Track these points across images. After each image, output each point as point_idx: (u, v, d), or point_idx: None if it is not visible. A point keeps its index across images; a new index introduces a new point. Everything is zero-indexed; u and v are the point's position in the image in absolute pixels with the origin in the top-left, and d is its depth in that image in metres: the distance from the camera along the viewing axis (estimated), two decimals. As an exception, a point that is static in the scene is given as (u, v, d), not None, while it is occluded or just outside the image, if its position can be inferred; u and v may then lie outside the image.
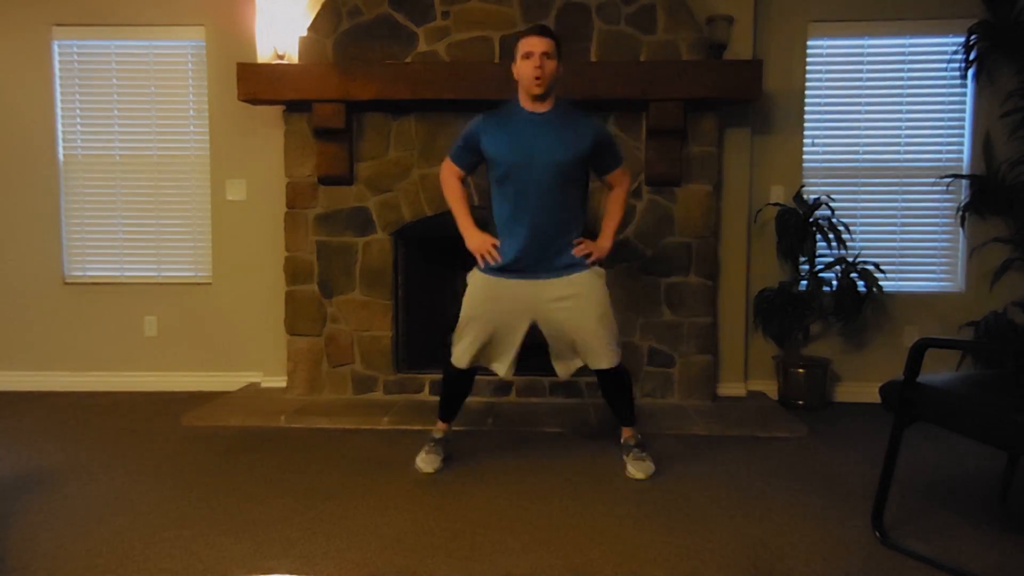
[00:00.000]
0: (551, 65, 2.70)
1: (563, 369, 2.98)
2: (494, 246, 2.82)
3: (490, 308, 2.83)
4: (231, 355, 4.35)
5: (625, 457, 2.95)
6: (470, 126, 2.84)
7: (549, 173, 2.73)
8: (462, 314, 2.88)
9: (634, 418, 3.03)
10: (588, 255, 2.84)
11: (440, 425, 3.08)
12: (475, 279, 2.88)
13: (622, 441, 3.02)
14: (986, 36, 3.90)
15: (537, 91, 2.71)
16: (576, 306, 2.80)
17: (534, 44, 2.67)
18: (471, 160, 2.90)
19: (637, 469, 2.88)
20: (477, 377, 3.91)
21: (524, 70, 2.71)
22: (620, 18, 3.77)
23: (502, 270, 2.82)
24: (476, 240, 2.86)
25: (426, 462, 2.95)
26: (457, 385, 3.00)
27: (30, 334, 4.38)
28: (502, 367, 2.93)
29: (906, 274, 4.15)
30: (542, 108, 2.78)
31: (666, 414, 3.65)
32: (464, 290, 2.90)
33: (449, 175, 2.95)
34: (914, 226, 4.13)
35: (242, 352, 4.33)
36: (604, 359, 2.84)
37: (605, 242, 2.91)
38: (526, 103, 2.79)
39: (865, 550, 2.26)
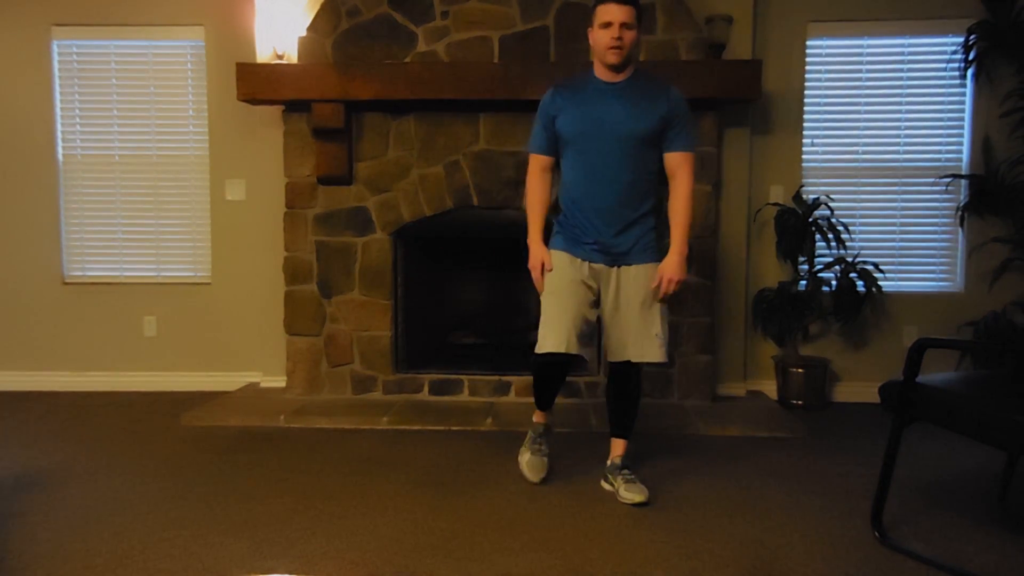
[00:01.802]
0: (630, 35, 2.51)
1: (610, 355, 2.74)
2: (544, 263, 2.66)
3: (561, 285, 2.63)
4: (231, 355, 4.34)
5: (613, 479, 2.70)
6: (543, 105, 2.66)
7: (618, 146, 2.55)
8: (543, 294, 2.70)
9: (631, 432, 2.80)
10: (655, 243, 2.64)
11: (537, 415, 2.87)
12: (551, 258, 2.69)
13: (610, 460, 2.75)
14: (985, 36, 3.90)
15: (613, 60, 2.53)
16: (626, 297, 2.61)
17: (614, 13, 2.49)
18: (555, 142, 2.68)
19: (633, 492, 2.61)
20: (475, 377, 3.93)
21: (601, 39, 2.53)
22: (619, 18, 3.76)
23: (566, 248, 2.65)
24: (534, 257, 2.68)
25: (531, 467, 2.78)
26: (546, 376, 2.76)
27: (30, 334, 4.38)
28: (566, 345, 2.64)
29: (905, 274, 4.15)
30: (618, 78, 2.59)
31: (666, 414, 3.65)
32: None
33: (536, 175, 2.72)
34: (913, 226, 4.13)
35: (242, 352, 4.32)
36: (644, 352, 2.61)
37: (675, 256, 2.60)
38: (601, 73, 2.61)
39: (864, 550, 2.27)
